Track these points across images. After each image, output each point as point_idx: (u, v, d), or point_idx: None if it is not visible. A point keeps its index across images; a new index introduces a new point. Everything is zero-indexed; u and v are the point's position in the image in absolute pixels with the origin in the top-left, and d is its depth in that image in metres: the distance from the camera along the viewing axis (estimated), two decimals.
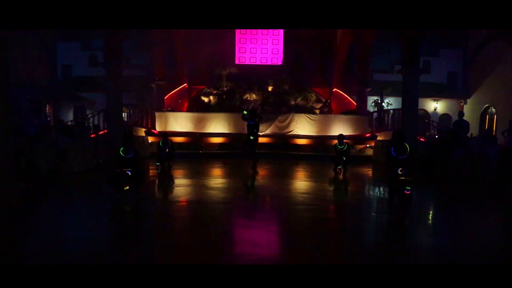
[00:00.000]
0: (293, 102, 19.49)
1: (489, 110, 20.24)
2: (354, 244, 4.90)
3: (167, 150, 11.40)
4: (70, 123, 15.04)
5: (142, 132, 16.07)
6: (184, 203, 7.46)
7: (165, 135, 11.79)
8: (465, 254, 4.60)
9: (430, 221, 6.45)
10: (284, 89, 20.14)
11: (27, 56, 18.29)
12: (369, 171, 12.15)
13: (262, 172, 10.91)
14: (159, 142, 11.68)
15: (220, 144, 15.58)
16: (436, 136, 12.64)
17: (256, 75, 20.77)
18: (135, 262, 4.10)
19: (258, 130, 11.58)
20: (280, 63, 22.20)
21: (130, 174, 7.23)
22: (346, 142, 11.39)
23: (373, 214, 6.74)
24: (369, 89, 18.99)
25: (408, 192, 6.98)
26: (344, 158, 11.02)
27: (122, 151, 7.28)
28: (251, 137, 11.35)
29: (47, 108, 20.53)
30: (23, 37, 17.86)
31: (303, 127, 16.02)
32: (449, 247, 4.87)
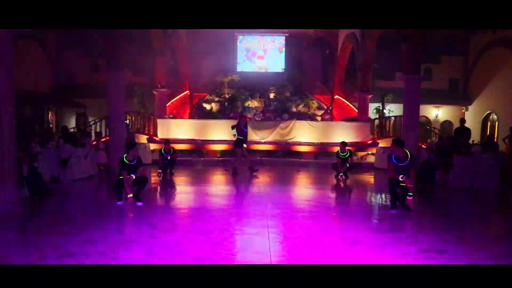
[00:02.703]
0: (294, 109, 19.53)
1: (491, 116, 20.22)
2: (355, 248, 4.90)
3: (169, 157, 11.45)
4: (72, 130, 15.11)
5: (144, 139, 16.12)
6: (186, 210, 7.47)
7: (167, 142, 11.83)
8: (466, 258, 4.61)
9: (431, 228, 6.44)
10: (286, 96, 20.20)
11: (30, 64, 18.40)
12: (370, 178, 12.14)
13: (264, 179, 10.91)
14: (161, 149, 11.72)
15: (222, 151, 15.61)
16: (437, 143, 12.64)
17: (257, 82, 20.83)
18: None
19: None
20: (281, 70, 22.30)
21: (134, 180, 7.27)
22: (349, 149, 11.40)
23: (375, 221, 6.74)
24: (370, 96, 19.02)
25: (410, 199, 7.01)
26: (347, 165, 11.04)
27: (126, 158, 7.32)
28: (244, 145, 11.43)
29: (49, 115, 20.64)
30: (26, 44, 18.00)
31: (304, 134, 16.03)
32: (449, 253, 4.87)
